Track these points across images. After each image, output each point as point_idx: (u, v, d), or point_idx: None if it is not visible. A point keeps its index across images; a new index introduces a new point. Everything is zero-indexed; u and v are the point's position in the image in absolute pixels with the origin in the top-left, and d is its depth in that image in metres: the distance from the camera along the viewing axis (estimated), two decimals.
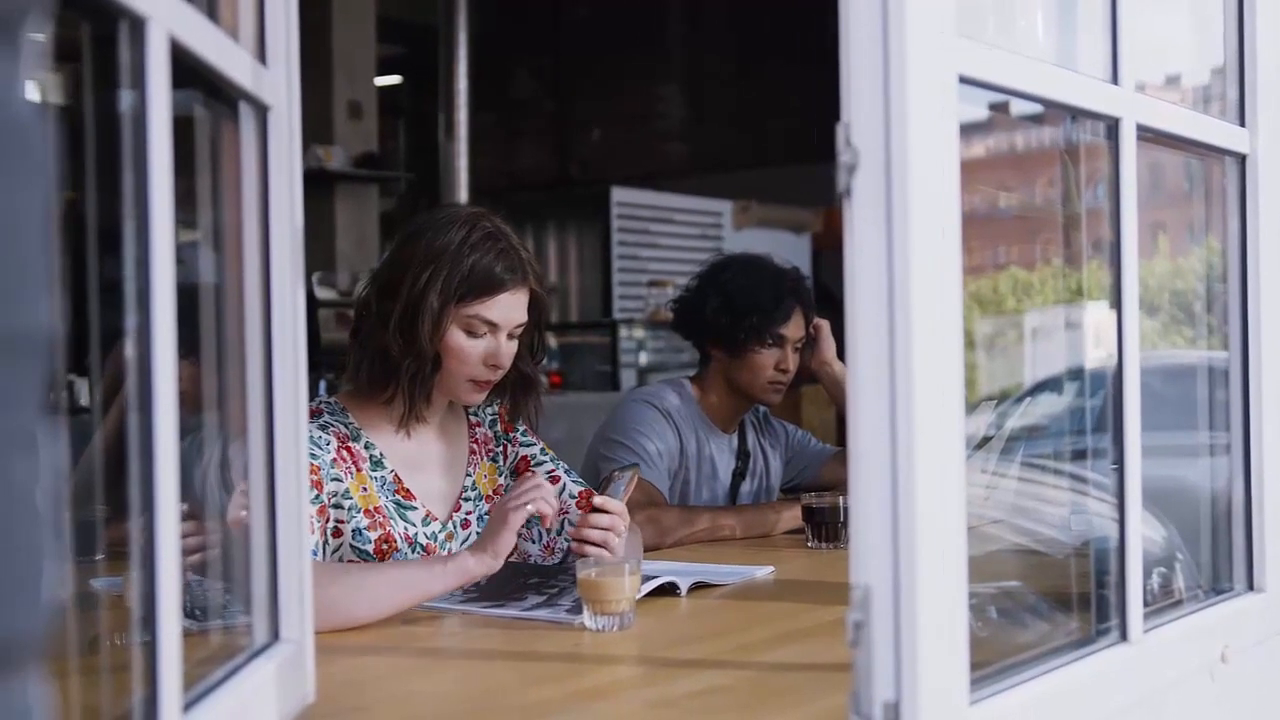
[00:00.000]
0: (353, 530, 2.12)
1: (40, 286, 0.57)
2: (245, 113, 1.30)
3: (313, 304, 4.90)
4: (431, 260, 2.12)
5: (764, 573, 2.30)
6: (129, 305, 0.98)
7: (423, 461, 2.25)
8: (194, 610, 1.32)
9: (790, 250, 6.42)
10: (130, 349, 0.98)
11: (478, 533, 2.26)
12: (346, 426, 2.18)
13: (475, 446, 2.34)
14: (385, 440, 2.21)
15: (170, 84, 1.00)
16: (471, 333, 2.15)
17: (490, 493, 2.33)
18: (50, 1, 0.61)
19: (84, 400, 2.84)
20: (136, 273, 0.97)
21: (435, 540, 2.22)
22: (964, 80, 1.22)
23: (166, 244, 0.99)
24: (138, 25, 0.96)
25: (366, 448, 2.19)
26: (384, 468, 2.19)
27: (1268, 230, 1.78)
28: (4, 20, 0.56)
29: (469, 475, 2.31)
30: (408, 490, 2.20)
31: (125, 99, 0.98)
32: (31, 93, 0.58)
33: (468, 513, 2.29)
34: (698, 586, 2.14)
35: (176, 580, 1.00)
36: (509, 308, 2.17)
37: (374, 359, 2.17)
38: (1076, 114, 1.52)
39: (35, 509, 0.57)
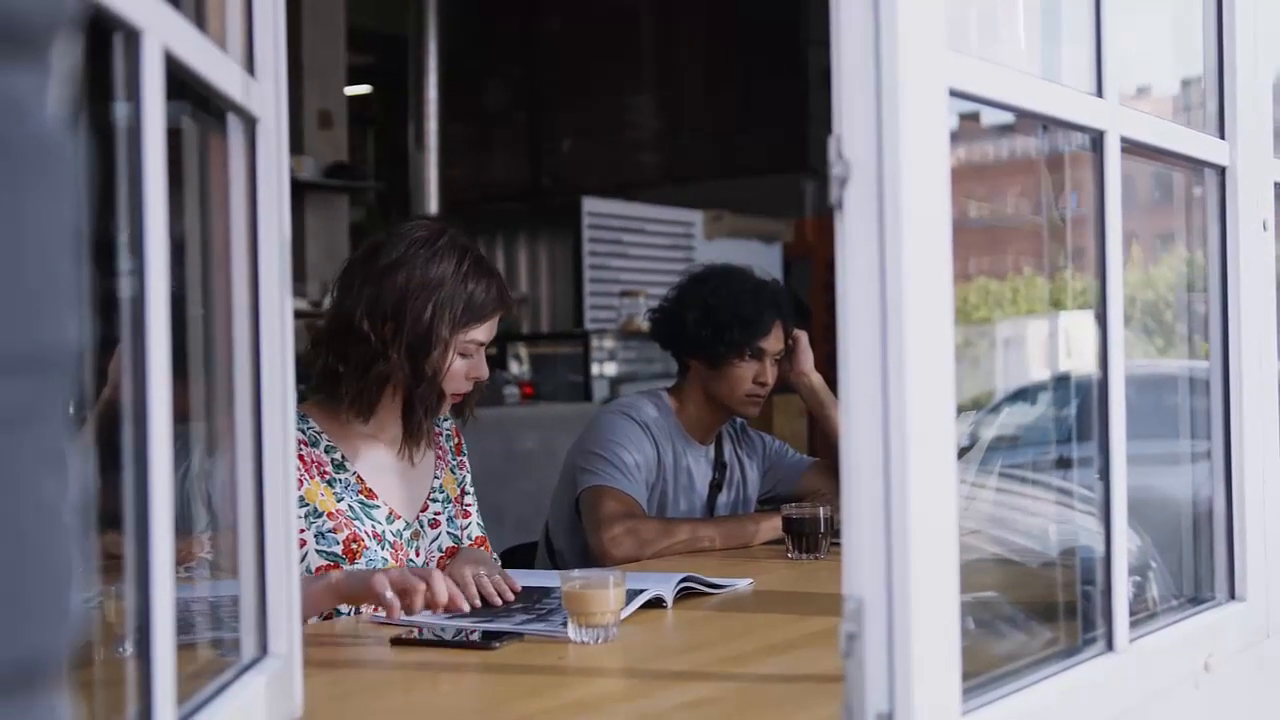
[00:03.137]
0: (317, 535, 2.16)
1: (70, 302, 0.56)
2: (233, 124, 1.30)
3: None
4: (431, 291, 2.20)
5: (744, 584, 2.30)
6: (123, 317, 0.97)
7: (388, 464, 2.31)
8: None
9: (761, 260, 6.41)
10: (124, 361, 0.97)
11: (448, 533, 2.37)
12: (304, 432, 2.22)
13: (440, 452, 2.42)
14: (350, 444, 2.27)
15: (164, 96, 0.99)
16: (464, 354, 2.26)
17: (454, 498, 2.41)
18: (77, 18, 0.61)
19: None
20: (131, 284, 0.96)
21: (401, 538, 2.27)
22: (954, 93, 1.23)
23: (160, 256, 0.98)
24: (133, 37, 0.96)
25: (327, 451, 2.24)
26: (347, 470, 2.25)
27: (1246, 241, 1.79)
28: (32, 38, 0.56)
29: (436, 477, 2.39)
30: (370, 490, 2.26)
31: (119, 110, 0.97)
32: (59, 108, 0.57)
33: (435, 513, 2.37)
34: (684, 593, 2.14)
35: (171, 595, 0.99)
36: (494, 326, 2.30)
37: (372, 384, 2.21)
38: (1063, 126, 1.53)
39: (64, 525, 0.57)
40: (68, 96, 0.60)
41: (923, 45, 1.17)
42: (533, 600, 2.10)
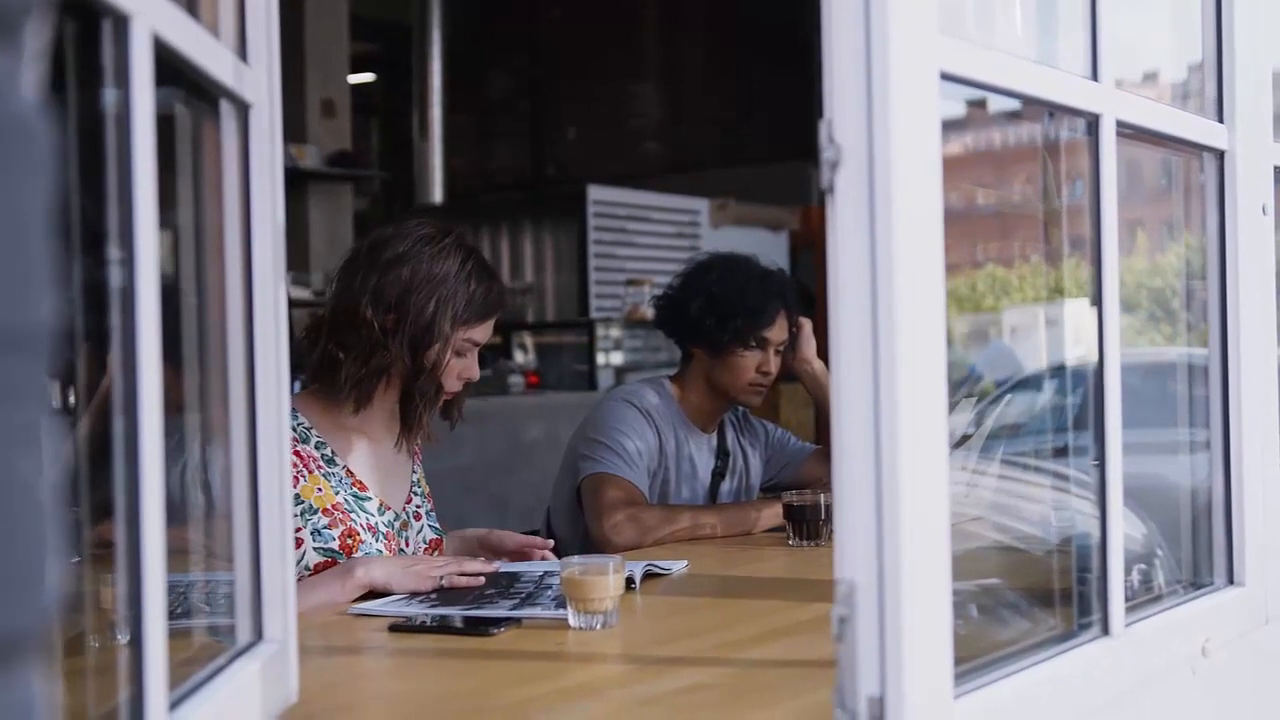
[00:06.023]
0: (312, 532, 2.18)
1: (43, 282, 0.57)
2: (226, 111, 1.30)
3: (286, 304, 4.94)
4: (435, 286, 2.22)
5: (680, 566, 2.33)
6: (113, 306, 0.98)
7: (373, 458, 2.33)
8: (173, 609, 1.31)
9: (767, 249, 6.41)
10: (114, 351, 0.97)
11: (429, 525, 2.40)
12: (295, 429, 2.22)
13: (416, 448, 2.45)
14: (336, 438, 2.29)
15: (154, 82, 0.99)
16: (460, 353, 2.28)
17: (426, 494, 2.45)
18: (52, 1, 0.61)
19: (56, 403, 2.83)
20: (121, 273, 0.97)
21: (392, 529, 2.30)
22: (946, 77, 1.23)
23: (150, 244, 0.98)
24: (121, 22, 0.96)
25: (317, 447, 2.26)
26: (336, 464, 2.26)
27: (1245, 225, 1.79)
28: (4, 20, 0.56)
29: (414, 472, 2.42)
30: (361, 482, 2.28)
31: (107, 97, 0.97)
32: (31, 90, 0.58)
33: (417, 506, 2.40)
34: (649, 576, 2.19)
35: (162, 581, 0.99)
36: (490, 328, 2.33)
37: (371, 373, 2.23)
38: (1057, 110, 1.53)
39: (39, 504, 0.57)
40: (40, 78, 0.60)
41: (914, 28, 1.16)
42: (505, 586, 2.10)
